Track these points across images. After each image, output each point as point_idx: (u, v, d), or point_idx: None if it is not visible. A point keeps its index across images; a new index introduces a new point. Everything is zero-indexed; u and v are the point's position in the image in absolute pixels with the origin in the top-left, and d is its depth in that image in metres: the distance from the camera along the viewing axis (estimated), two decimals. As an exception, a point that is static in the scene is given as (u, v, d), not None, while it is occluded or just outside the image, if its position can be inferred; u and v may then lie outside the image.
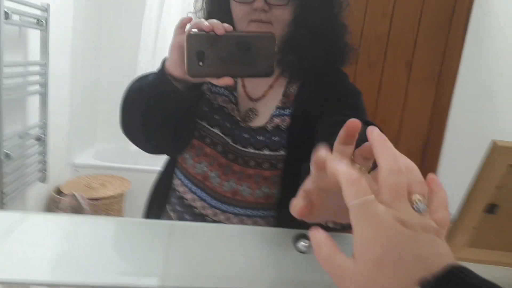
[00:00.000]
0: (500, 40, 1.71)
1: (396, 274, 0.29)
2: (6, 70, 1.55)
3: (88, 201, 2.15)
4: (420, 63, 2.00)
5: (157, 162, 0.93)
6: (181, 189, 0.85)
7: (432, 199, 0.33)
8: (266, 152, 0.76)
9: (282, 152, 0.76)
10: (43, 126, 1.96)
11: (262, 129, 0.77)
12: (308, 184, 0.41)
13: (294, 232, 0.47)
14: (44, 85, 1.92)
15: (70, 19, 2.30)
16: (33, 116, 1.92)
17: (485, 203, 0.61)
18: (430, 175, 0.35)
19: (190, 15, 0.82)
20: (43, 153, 1.97)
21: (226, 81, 0.59)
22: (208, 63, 0.56)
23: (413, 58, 2.00)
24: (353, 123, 0.38)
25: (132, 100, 0.73)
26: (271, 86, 0.80)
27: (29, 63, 1.86)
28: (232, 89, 0.81)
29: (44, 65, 1.91)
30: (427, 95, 2.01)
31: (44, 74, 1.91)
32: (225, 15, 0.75)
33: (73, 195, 2.10)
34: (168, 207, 0.88)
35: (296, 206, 0.41)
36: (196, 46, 0.56)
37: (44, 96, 1.94)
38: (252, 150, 0.77)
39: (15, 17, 1.62)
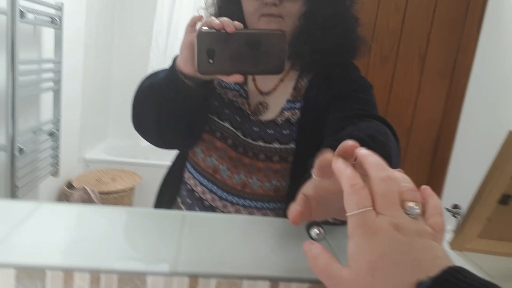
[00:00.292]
0: (514, 34, 1.68)
1: (391, 279, 0.29)
2: (21, 67, 1.57)
3: (98, 195, 2.18)
4: (433, 58, 1.98)
5: (167, 157, 0.93)
6: (191, 182, 0.85)
7: (426, 206, 0.34)
8: (276, 145, 0.76)
9: (292, 145, 0.76)
10: (56, 121, 1.98)
11: (272, 123, 0.77)
12: (308, 189, 0.42)
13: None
14: (57, 82, 1.95)
15: (83, 18, 2.33)
16: (46, 112, 1.95)
17: (500, 194, 0.61)
18: (423, 187, 0.35)
19: (201, 11, 0.83)
20: (56, 148, 2.00)
21: (236, 78, 0.59)
22: (218, 61, 0.57)
23: (426, 53, 1.97)
24: (349, 146, 0.38)
25: (143, 97, 0.73)
26: (282, 80, 0.80)
27: (43, 60, 1.88)
28: (242, 83, 0.81)
29: (58, 62, 1.93)
30: (440, 89, 1.99)
31: (58, 72, 1.94)
32: (236, 10, 0.75)
33: (84, 189, 2.13)
34: (178, 199, 0.89)
35: (293, 212, 0.41)
36: (207, 44, 0.56)
37: (57, 93, 1.97)
38: (262, 144, 0.77)
39: (30, 16, 1.65)
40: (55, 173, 2.02)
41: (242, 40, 0.57)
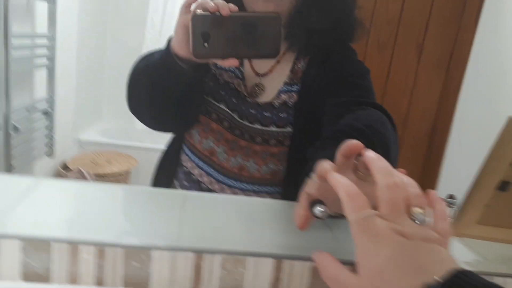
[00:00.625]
0: (514, 25, 1.69)
1: (398, 282, 0.30)
2: (14, 41, 1.54)
3: (94, 177, 2.17)
4: (431, 47, 1.98)
5: (163, 141, 0.93)
6: (188, 164, 0.85)
7: (432, 211, 0.34)
8: (273, 128, 0.76)
9: (289, 129, 0.76)
10: (50, 100, 1.96)
11: (269, 105, 0.77)
12: (311, 190, 0.42)
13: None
14: (51, 58, 1.92)
15: (77, -6, 2.28)
16: (40, 90, 1.92)
17: (499, 180, 0.61)
18: (428, 190, 0.36)
19: None
20: (50, 128, 1.98)
21: (232, 62, 0.59)
22: (213, 44, 0.56)
23: (424, 42, 1.97)
24: (354, 145, 0.39)
25: (138, 79, 0.73)
26: (278, 62, 0.79)
27: (37, 35, 1.85)
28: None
29: (52, 38, 1.90)
30: (437, 79, 1.99)
31: (52, 48, 1.91)
32: None
33: (80, 171, 2.12)
34: (175, 182, 0.89)
35: (299, 218, 0.42)
36: (201, 27, 0.56)
37: (51, 70, 1.94)
38: (259, 127, 0.77)
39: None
40: (50, 153, 2.00)
41: (237, 23, 0.56)
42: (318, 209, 0.47)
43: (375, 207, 0.33)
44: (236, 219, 0.53)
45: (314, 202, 0.48)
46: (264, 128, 0.76)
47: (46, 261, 0.41)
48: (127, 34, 2.94)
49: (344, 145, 0.40)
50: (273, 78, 0.79)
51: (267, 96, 0.78)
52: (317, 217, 0.47)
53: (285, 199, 0.76)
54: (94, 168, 2.25)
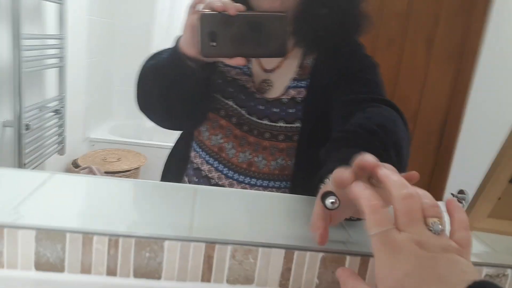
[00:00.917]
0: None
1: None
2: (25, 42, 1.56)
3: (104, 175, 2.19)
4: (441, 42, 1.95)
5: (172, 138, 0.93)
6: (198, 160, 0.86)
7: (452, 221, 0.34)
8: (282, 124, 0.76)
9: (297, 124, 0.76)
10: (61, 99, 1.98)
11: (278, 101, 0.77)
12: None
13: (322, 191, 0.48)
14: (62, 58, 1.94)
15: (86, -5, 2.31)
16: (51, 89, 1.95)
17: (511, 172, 0.60)
18: (449, 199, 0.36)
19: None
20: (61, 126, 2.01)
21: (238, 61, 0.59)
22: (220, 43, 0.57)
23: (434, 36, 1.95)
24: (368, 163, 0.39)
25: (146, 78, 0.73)
26: (285, 57, 0.79)
27: (47, 36, 1.87)
28: None
29: (62, 38, 1.92)
30: (447, 73, 1.97)
31: (62, 48, 1.93)
32: None
33: (90, 168, 2.14)
34: (185, 178, 0.89)
35: (317, 233, 0.42)
36: (209, 26, 0.56)
37: (62, 70, 1.96)
38: (267, 122, 0.77)
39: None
40: (61, 151, 2.03)
41: (244, 22, 0.56)
42: (330, 201, 0.47)
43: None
44: (246, 211, 0.53)
45: (325, 193, 0.48)
46: (272, 123, 0.77)
47: (60, 251, 0.42)
48: (135, 33, 2.96)
49: (358, 160, 0.40)
50: (281, 74, 0.79)
51: (276, 92, 0.78)
52: (328, 208, 0.47)
53: (293, 194, 0.76)
54: (104, 166, 2.28)
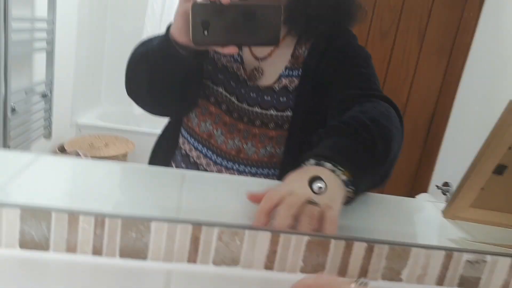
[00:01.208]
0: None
1: None
2: (14, 24, 1.53)
3: (91, 160, 2.18)
4: (433, 35, 1.97)
5: (160, 125, 0.93)
6: (186, 147, 0.86)
7: None
8: (273, 112, 0.76)
9: (288, 113, 0.76)
10: (49, 83, 1.96)
11: (270, 89, 0.77)
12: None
13: (310, 174, 0.48)
14: (50, 42, 1.91)
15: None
16: (39, 73, 1.92)
17: (496, 163, 0.62)
18: None
19: None
20: (48, 110, 1.98)
21: (231, 50, 0.59)
22: (213, 32, 0.57)
23: (426, 30, 1.96)
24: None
25: (137, 64, 0.73)
26: (277, 46, 0.79)
27: (37, 18, 1.84)
28: None
29: (51, 22, 1.89)
30: (438, 67, 1.99)
31: (51, 32, 1.90)
32: None
33: (77, 153, 2.12)
34: (173, 164, 0.89)
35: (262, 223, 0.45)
36: (201, 15, 0.56)
37: (50, 54, 1.93)
38: (258, 110, 0.77)
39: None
40: (47, 135, 2.00)
41: (237, 11, 0.56)
42: (317, 186, 0.48)
43: None
44: (234, 196, 0.53)
45: (313, 178, 0.49)
46: (263, 111, 0.77)
47: (45, 230, 0.42)
48: (127, 19, 2.92)
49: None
50: (273, 62, 0.79)
51: (267, 79, 0.78)
52: (315, 193, 0.47)
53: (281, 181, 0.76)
54: (92, 151, 2.26)
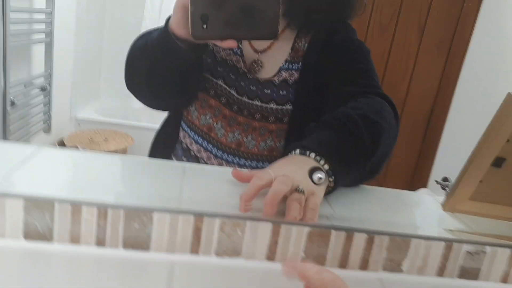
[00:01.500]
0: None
1: None
2: (12, 15, 1.52)
3: (91, 155, 2.17)
4: (432, 29, 1.97)
5: (159, 120, 0.93)
6: (187, 140, 0.86)
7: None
8: (273, 105, 0.77)
9: (288, 106, 0.76)
10: (48, 76, 1.95)
11: (270, 83, 0.77)
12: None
13: (310, 166, 0.48)
14: (49, 34, 1.90)
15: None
16: (38, 66, 1.91)
17: (494, 156, 0.62)
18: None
19: None
20: (47, 104, 1.97)
21: (230, 43, 0.59)
22: (212, 26, 0.57)
23: (426, 24, 1.96)
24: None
25: (136, 57, 0.73)
26: (276, 39, 0.79)
27: (35, 10, 1.83)
28: None
29: (50, 13, 1.88)
30: (437, 61, 1.99)
31: (50, 23, 1.89)
32: None
33: (77, 148, 2.12)
34: (173, 158, 0.90)
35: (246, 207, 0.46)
36: (201, 9, 0.56)
37: (49, 46, 1.92)
38: (258, 103, 0.77)
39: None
40: (47, 129, 2.00)
41: (236, 5, 0.57)
42: (318, 176, 0.48)
43: None
44: (235, 188, 0.53)
45: (313, 169, 0.49)
46: (263, 104, 0.77)
47: (49, 221, 0.42)
48: (126, 12, 2.90)
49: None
50: (272, 55, 0.79)
51: (267, 72, 0.78)
52: (315, 183, 0.48)
53: None
54: (91, 146, 2.26)
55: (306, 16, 0.74)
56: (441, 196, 0.66)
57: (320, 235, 0.46)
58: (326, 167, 0.52)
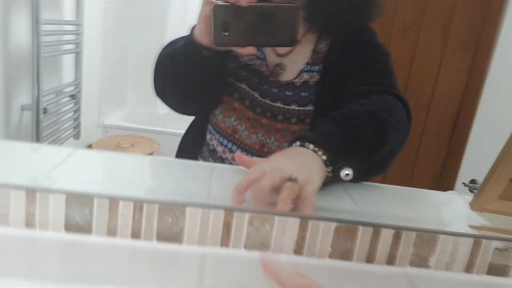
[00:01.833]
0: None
1: None
2: (44, 28, 1.60)
3: (118, 160, 2.23)
4: (457, 30, 1.93)
5: (184, 126, 0.96)
6: (214, 142, 0.88)
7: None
8: (295, 107, 0.78)
9: (310, 108, 0.78)
10: (78, 84, 2.02)
11: (291, 85, 0.79)
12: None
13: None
14: (79, 45, 1.97)
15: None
16: (67, 75, 1.99)
17: (524, 154, 0.61)
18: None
19: None
20: (77, 111, 2.05)
21: (250, 50, 0.62)
22: (233, 34, 0.59)
23: (450, 24, 1.93)
24: None
25: (163, 65, 0.76)
26: (299, 42, 0.81)
27: (65, 22, 1.91)
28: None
29: (79, 25, 1.95)
30: (463, 63, 1.95)
31: (79, 34, 1.96)
32: None
33: (105, 153, 2.18)
34: (200, 160, 0.92)
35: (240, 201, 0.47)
36: (222, 17, 0.58)
37: (78, 55, 2.00)
38: (280, 105, 0.79)
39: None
40: (76, 135, 2.07)
41: (256, 13, 0.59)
42: (345, 173, 0.49)
43: None
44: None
45: (340, 166, 0.50)
46: (285, 106, 0.78)
47: (88, 215, 0.45)
48: (150, 22, 2.98)
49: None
50: (294, 58, 0.80)
51: (289, 75, 0.80)
52: (343, 180, 0.49)
53: None
54: (118, 151, 2.32)
55: (327, 20, 0.76)
56: (469, 196, 0.65)
57: (347, 230, 0.47)
58: (324, 157, 0.53)
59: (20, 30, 1.55)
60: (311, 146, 0.54)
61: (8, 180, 0.45)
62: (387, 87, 0.72)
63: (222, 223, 0.45)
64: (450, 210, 0.63)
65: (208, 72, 0.73)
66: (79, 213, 0.45)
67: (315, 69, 0.78)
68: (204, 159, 0.91)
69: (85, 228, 0.45)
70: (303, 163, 0.51)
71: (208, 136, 0.90)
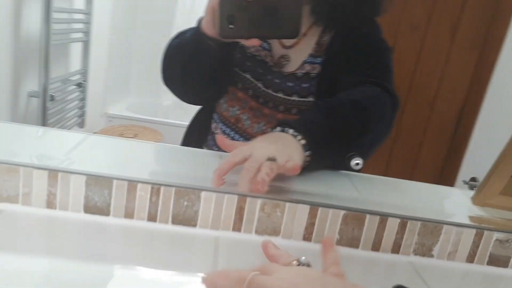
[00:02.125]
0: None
1: None
2: (54, 15, 1.61)
3: (122, 149, 2.24)
4: (465, 28, 1.94)
5: (187, 117, 0.98)
6: (218, 131, 0.90)
7: (324, 258, 0.36)
8: (296, 98, 0.80)
9: (310, 99, 0.79)
10: (84, 73, 2.03)
11: (293, 76, 0.80)
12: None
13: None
14: (87, 33, 1.99)
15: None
16: (75, 63, 2.00)
17: (526, 151, 0.63)
18: (324, 239, 0.38)
19: None
20: (83, 100, 2.06)
21: (254, 42, 0.64)
22: (238, 26, 0.61)
23: (458, 23, 1.93)
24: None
25: (172, 55, 0.79)
26: (304, 34, 0.82)
27: (75, 10, 1.92)
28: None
29: (88, 13, 1.96)
30: (468, 61, 1.96)
31: (88, 23, 1.97)
32: None
33: (109, 142, 2.19)
34: (205, 148, 0.94)
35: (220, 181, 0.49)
36: (228, 10, 0.61)
37: (86, 44, 2.01)
38: (282, 96, 0.80)
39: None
40: (81, 123, 2.09)
41: (260, 6, 0.61)
42: (355, 162, 0.51)
43: None
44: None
45: (351, 155, 0.52)
46: (287, 97, 0.80)
47: (107, 196, 0.46)
48: (157, 13, 2.99)
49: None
50: (299, 50, 0.82)
51: (292, 66, 0.81)
52: (354, 170, 0.50)
53: None
54: (123, 141, 2.33)
55: (332, 14, 0.77)
56: (470, 192, 0.67)
57: (355, 218, 0.48)
58: (303, 142, 0.56)
59: (31, 17, 1.56)
60: (291, 131, 0.57)
61: (29, 161, 0.47)
62: (378, 79, 0.74)
63: (235, 208, 0.47)
64: (453, 202, 0.65)
65: (214, 62, 0.75)
66: (98, 194, 0.46)
67: (317, 61, 0.80)
68: (209, 148, 0.92)
69: (103, 210, 0.47)
70: (282, 146, 0.53)
71: (213, 125, 0.92)
